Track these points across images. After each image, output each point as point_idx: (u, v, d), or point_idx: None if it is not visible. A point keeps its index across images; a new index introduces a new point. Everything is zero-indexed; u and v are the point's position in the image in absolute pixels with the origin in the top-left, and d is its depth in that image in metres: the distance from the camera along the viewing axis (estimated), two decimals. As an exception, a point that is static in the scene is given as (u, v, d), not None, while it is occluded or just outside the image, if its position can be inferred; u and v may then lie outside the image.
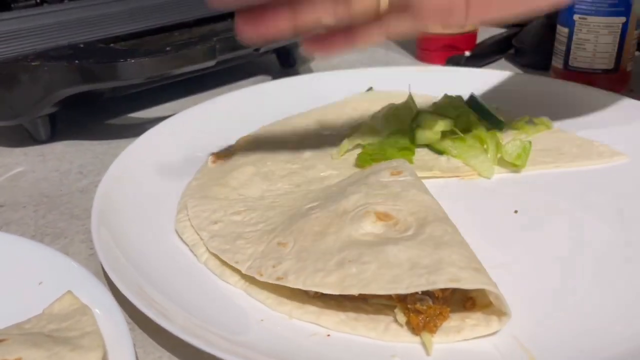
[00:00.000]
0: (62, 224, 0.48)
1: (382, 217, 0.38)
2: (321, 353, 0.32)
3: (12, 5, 0.69)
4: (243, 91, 0.67)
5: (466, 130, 0.54)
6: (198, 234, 0.42)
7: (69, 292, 0.34)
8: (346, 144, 0.54)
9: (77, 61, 0.55)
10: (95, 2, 0.70)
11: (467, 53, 0.78)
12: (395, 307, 0.34)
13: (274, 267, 0.36)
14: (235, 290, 0.38)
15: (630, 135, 0.54)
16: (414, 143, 0.54)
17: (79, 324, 0.31)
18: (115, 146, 0.62)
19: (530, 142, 0.51)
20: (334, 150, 0.55)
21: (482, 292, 0.33)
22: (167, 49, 0.58)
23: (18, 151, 0.62)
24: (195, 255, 0.41)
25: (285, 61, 0.84)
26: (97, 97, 0.65)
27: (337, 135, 0.58)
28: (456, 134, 0.53)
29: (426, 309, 0.33)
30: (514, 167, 0.51)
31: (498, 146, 0.52)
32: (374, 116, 0.57)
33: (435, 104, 0.59)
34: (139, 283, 0.36)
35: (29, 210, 0.51)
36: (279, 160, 0.53)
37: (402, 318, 0.33)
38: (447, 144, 0.53)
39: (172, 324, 0.32)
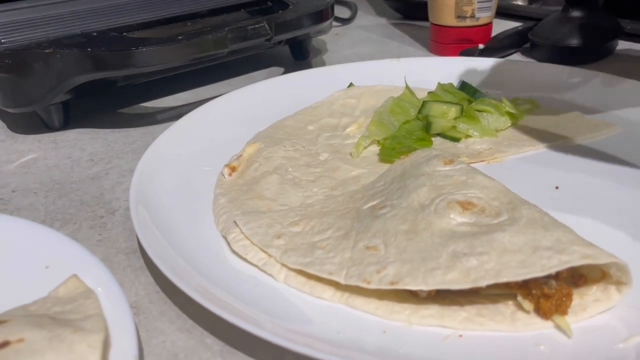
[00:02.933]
0: (72, 210, 0.49)
1: (466, 205, 0.38)
2: (465, 355, 0.31)
3: (28, -6, 0.70)
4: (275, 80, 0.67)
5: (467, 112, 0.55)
6: (265, 252, 0.39)
7: (75, 275, 0.34)
8: (362, 141, 0.54)
9: (89, 49, 0.56)
10: (109, -9, 0.71)
11: (481, 46, 0.77)
12: (509, 295, 0.34)
13: (378, 272, 0.34)
14: (293, 291, 0.36)
15: (609, 105, 0.57)
16: (428, 133, 0.54)
17: (82, 307, 0.31)
18: (126, 135, 0.62)
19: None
20: (347, 149, 0.54)
21: (592, 267, 0.33)
22: (179, 37, 0.58)
23: (31, 138, 0.63)
24: (270, 275, 0.38)
25: (298, 53, 0.84)
26: (110, 86, 0.65)
27: (340, 135, 0.57)
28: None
29: (555, 292, 0.32)
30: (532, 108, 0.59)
31: (502, 105, 0.56)
32: (378, 111, 0.57)
33: (431, 93, 0.60)
34: (176, 260, 0.37)
35: (39, 196, 0.51)
36: (299, 165, 0.51)
37: (528, 305, 0.33)
38: (463, 127, 0.54)
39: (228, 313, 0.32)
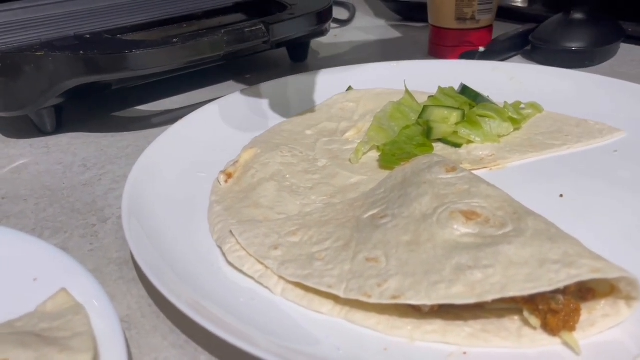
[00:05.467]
0: (63, 218, 0.47)
1: (470, 215, 0.36)
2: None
3: (22, -6, 0.68)
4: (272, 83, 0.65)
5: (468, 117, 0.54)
6: (262, 263, 0.38)
7: (64, 289, 0.33)
8: (361, 147, 0.52)
9: (81, 52, 0.54)
10: (104, -8, 0.69)
11: (482, 49, 0.75)
12: (515, 310, 0.33)
13: (379, 285, 0.33)
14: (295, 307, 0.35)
15: (614, 110, 0.56)
16: (429, 138, 0.53)
17: (70, 323, 0.30)
18: (120, 139, 0.61)
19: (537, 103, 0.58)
20: (346, 155, 0.53)
21: (601, 281, 0.32)
22: (174, 40, 0.57)
23: (23, 142, 0.62)
24: (266, 287, 0.36)
25: (296, 55, 0.83)
26: (104, 89, 0.64)
27: (339, 140, 0.56)
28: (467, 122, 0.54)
29: (563, 307, 0.31)
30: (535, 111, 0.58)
31: (505, 110, 0.55)
32: (378, 116, 0.56)
33: (432, 97, 0.58)
34: (169, 273, 0.36)
35: (30, 203, 0.50)
36: (296, 171, 0.50)
37: (535, 321, 0.32)
38: (465, 133, 0.53)
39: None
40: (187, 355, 0.33)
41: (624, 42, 0.79)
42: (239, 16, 0.74)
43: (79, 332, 0.29)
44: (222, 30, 0.59)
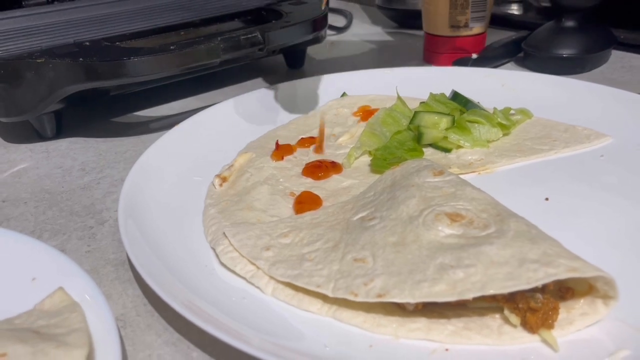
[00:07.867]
0: (62, 221, 0.48)
1: (455, 217, 0.38)
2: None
3: (23, 3, 0.70)
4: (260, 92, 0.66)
5: (458, 123, 0.56)
6: (254, 264, 0.39)
7: (61, 288, 0.34)
8: (353, 152, 0.54)
9: (81, 59, 0.56)
10: (104, 0, 0.71)
11: (475, 55, 0.77)
12: (496, 308, 0.34)
13: (366, 285, 0.34)
14: (285, 306, 0.36)
15: (601, 116, 0.58)
16: (419, 143, 0.54)
17: (67, 321, 0.31)
18: (118, 144, 0.62)
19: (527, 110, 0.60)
20: (339, 159, 0.54)
21: (580, 280, 0.33)
22: (172, 47, 0.58)
23: (24, 147, 0.63)
24: (257, 287, 0.37)
25: (292, 62, 0.84)
26: (103, 95, 0.65)
27: (332, 145, 0.57)
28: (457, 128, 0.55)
29: (541, 305, 0.32)
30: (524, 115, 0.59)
31: (494, 116, 0.56)
32: (370, 122, 0.57)
33: (423, 103, 0.60)
34: (164, 273, 0.37)
35: (29, 206, 0.51)
36: (290, 175, 0.51)
37: (515, 319, 0.33)
38: (455, 138, 0.54)
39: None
40: (180, 352, 0.34)
41: (615, 48, 0.80)
42: (236, 24, 0.76)
43: (75, 329, 0.30)
44: (219, 38, 0.61)
